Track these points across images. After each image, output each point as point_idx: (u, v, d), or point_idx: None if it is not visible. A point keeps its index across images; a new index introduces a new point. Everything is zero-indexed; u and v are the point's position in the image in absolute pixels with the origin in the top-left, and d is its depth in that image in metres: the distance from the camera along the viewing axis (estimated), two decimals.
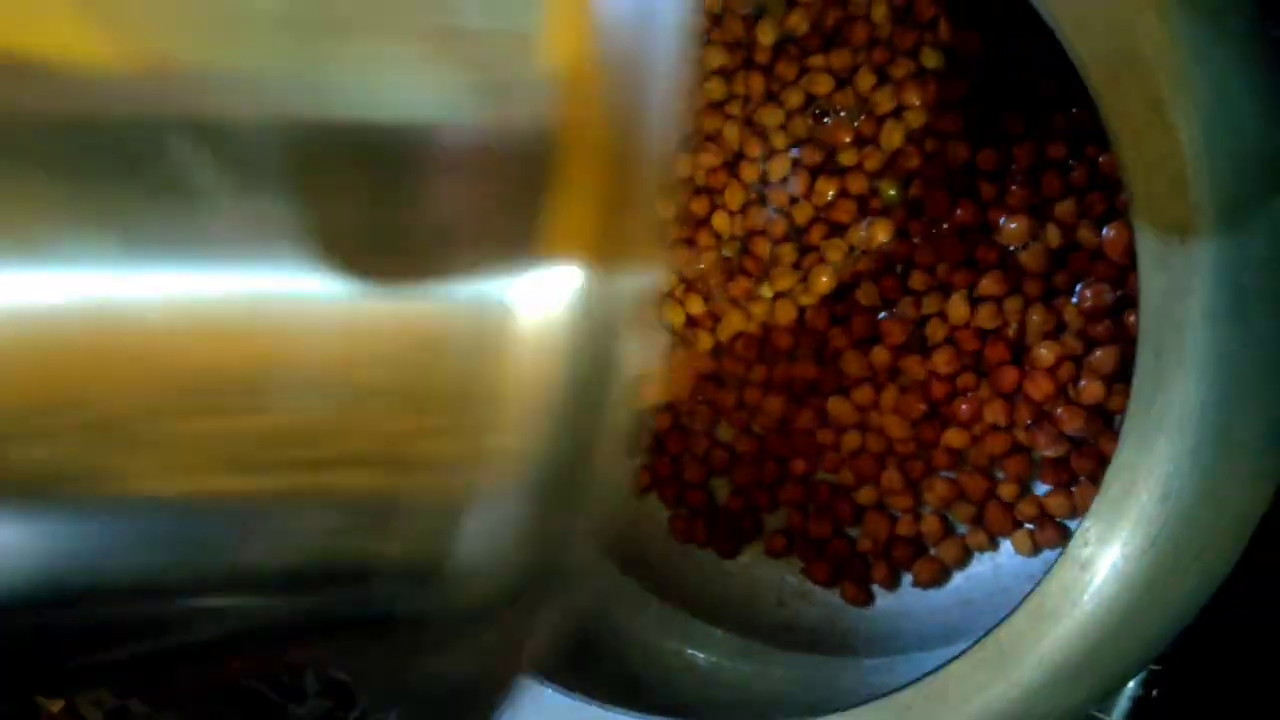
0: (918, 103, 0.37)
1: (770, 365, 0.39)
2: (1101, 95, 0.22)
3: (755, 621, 0.40)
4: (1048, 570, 0.23)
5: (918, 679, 0.24)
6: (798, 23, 0.38)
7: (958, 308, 0.35)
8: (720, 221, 0.40)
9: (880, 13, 0.37)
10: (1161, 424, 0.22)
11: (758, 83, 0.39)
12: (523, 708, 0.29)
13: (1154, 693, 0.34)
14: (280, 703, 0.51)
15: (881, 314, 0.38)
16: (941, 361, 0.36)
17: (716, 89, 0.40)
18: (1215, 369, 0.22)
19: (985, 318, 0.35)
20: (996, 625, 0.24)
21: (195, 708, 0.52)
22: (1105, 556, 0.23)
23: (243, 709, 0.52)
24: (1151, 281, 0.22)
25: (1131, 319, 0.33)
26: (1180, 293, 0.22)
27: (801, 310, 0.39)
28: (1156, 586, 0.23)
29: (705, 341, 0.40)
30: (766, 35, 0.38)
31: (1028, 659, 0.23)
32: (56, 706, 0.53)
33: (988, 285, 0.35)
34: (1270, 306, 0.22)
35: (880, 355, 0.37)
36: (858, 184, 0.38)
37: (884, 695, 0.24)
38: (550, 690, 0.32)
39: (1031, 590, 0.23)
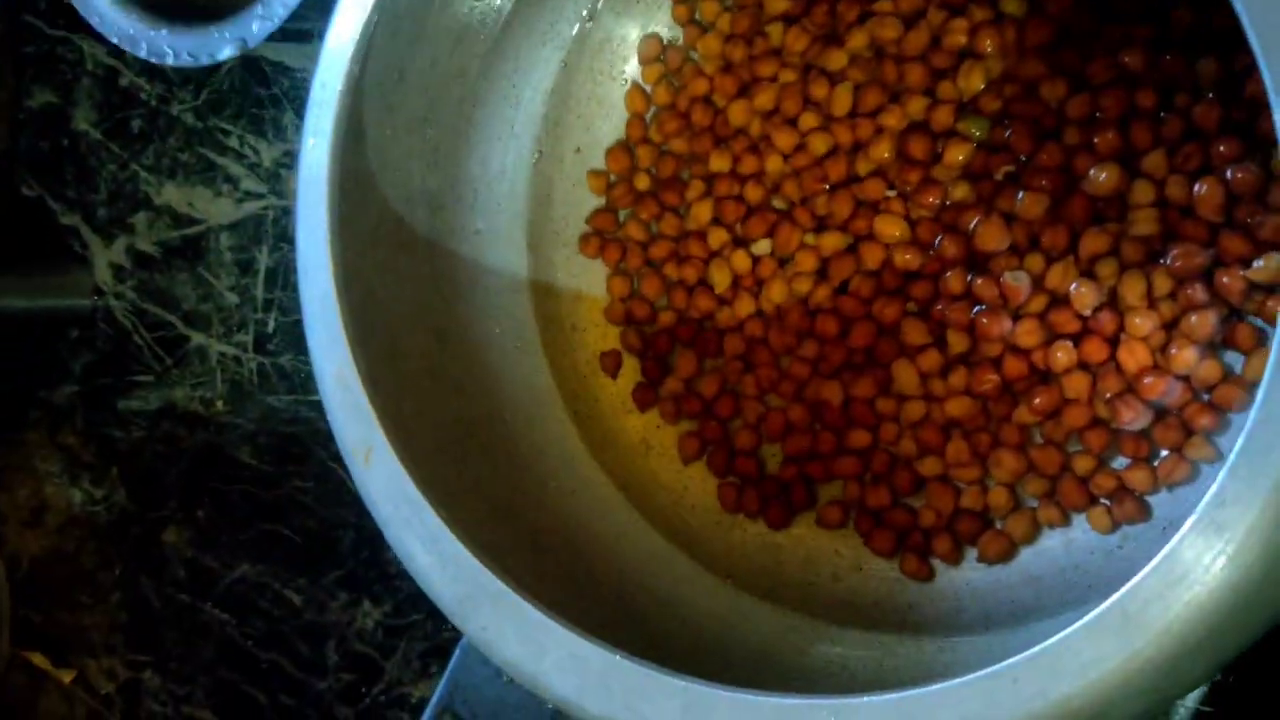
0: (991, 49, 0.34)
1: (821, 342, 0.37)
2: (1250, 13, 0.20)
3: (809, 596, 0.38)
4: (1179, 534, 0.21)
5: (1028, 651, 0.22)
6: None
7: (1061, 275, 0.33)
8: (774, 165, 0.38)
9: None
10: None
11: (819, 26, 0.37)
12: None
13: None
14: (301, 677, 0.49)
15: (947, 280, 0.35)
16: (1024, 333, 0.33)
17: (775, 34, 0.37)
18: None
19: (1086, 287, 0.32)
20: (1120, 592, 0.21)
21: (215, 683, 0.50)
22: (1243, 517, 0.21)
23: (263, 683, 0.50)
24: None
25: (1225, 279, 0.31)
26: None
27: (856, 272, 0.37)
28: (1254, 605, 0.21)
29: (747, 305, 0.38)
30: None
31: (1154, 627, 0.21)
32: (68, 677, 0.52)
33: (1092, 245, 0.32)
34: None
35: (955, 328, 0.35)
36: (922, 140, 0.36)
37: (986, 669, 0.22)
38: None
39: (1160, 555, 0.21)
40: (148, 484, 0.53)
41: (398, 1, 0.31)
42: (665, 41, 0.40)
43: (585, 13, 0.39)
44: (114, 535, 0.53)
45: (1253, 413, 0.21)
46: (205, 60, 0.39)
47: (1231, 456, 0.21)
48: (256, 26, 0.38)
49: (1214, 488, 0.21)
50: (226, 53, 0.39)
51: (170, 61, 0.40)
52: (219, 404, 0.51)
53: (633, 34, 0.40)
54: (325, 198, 0.30)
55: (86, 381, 0.54)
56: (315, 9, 0.38)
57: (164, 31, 0.40)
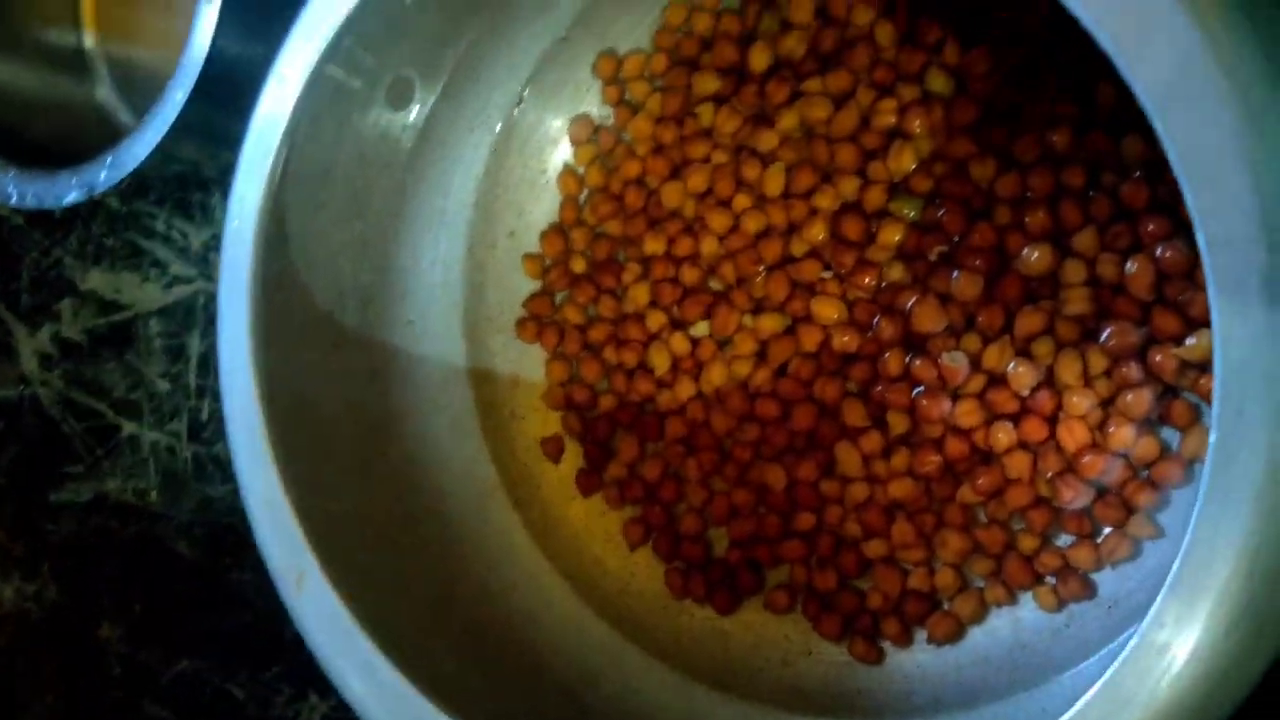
0: (919, 130, 0.34)
1: (763, 425, 0.37)
2: (1168, 128, 0.20)
3: (758, 683, 0.37)
4: (1119, 656, 0.21)
5: None
6: (794, 46, 0.36)
7: (998, 355, 0.33)
8: (709, 247, 0.37)
9: (885, 34, 0.34)
10: (1246, 489, 0.20)
11: (749, 106, 0.37)
12: None
13: None
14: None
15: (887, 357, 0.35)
16: (964, 413, 0.33)
17: (706, 115, 0.37)
18: None
19: (1023, 367, 0.32)
20: (1062, 717, 0.21)
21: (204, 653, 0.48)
22: (1184, 640, 0.20)
23: (250, 653, 0.47)
24: (1231, 331, 0.20)
25: (1159, 357, 0.31)
26: (1264, 342, 0.20)
27: (796, 354, 0.37)
28: (1237, 667, 0.21)
29: (687, 388, 0.38)
30: (760, 60, 0.36)
31: None
32: None
33: (1027, 325, 0.32)
34: None
35: (896, 409, 0.35)
36: (856, 221, 0.35)
37: None
38: None
39: (1102, 679, 0.21)
40: (81, 579, 0.51)
41: (318, 102, 0.31)
42: (596, 123, 0.39)
43: (514, 97, 0.38)
44: (47, 632, 0.52)
45: (1191, 532, 0.20)
46: (51, 204, 0.40)
47: (1171, 578, 0.21)
48: (104, 175, 0.38)
49: (1152, 612, 0.20)
50: (72, 197, 0.40)
51: (14, 203, 0.40)
52: (153, 495, 0.50)
53: (563, 116, 0.39)
54: (247, 313, 0.29)
55: (15, 474, 0.52)
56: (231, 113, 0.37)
57: (11, 174, 0.40)
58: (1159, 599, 0.21)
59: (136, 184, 0.49)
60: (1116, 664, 0.21)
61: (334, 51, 0.28)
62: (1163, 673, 0.20)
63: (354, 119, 0.33)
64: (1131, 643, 0.21)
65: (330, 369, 0.35)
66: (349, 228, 0.36)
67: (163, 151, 0.40)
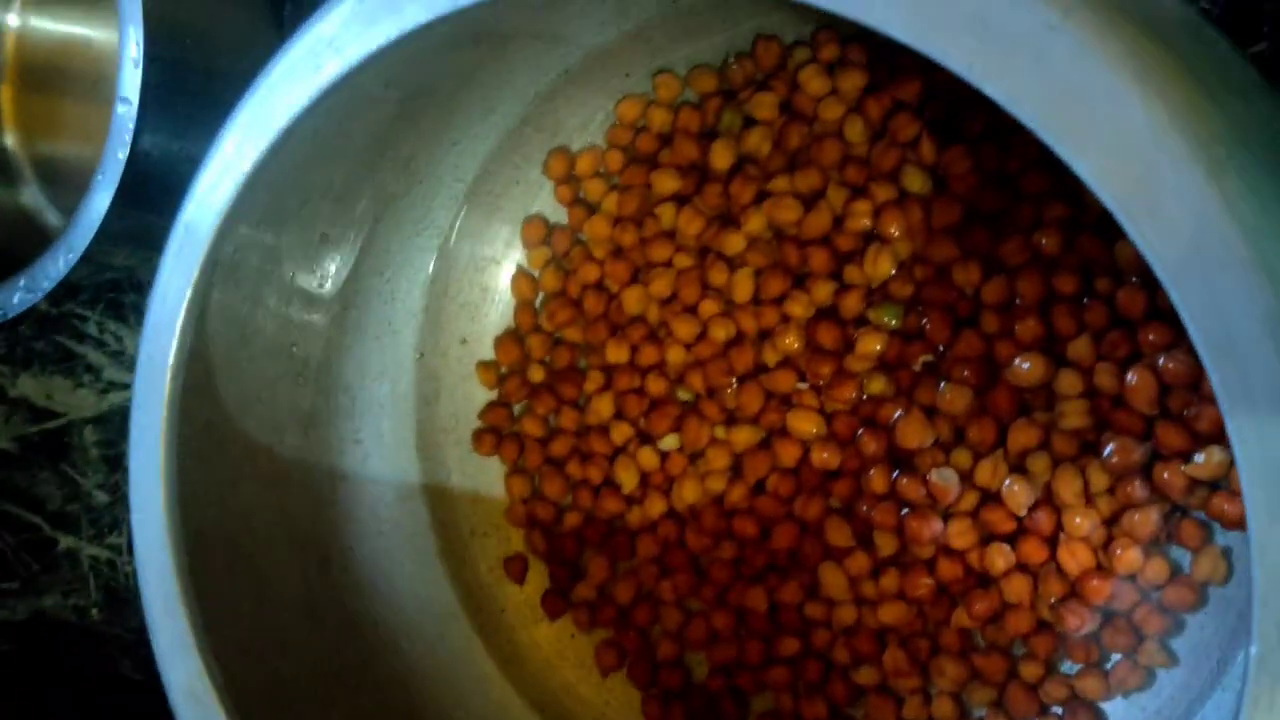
0: (896, 232, 0.32)
1: (741, 544, 0.34)
2: (1188, 303, 0.18)
3: None
4: None
5: None
6: (758, 143, 0.33)
7: (991, 472, 0.31)
8: (675, 355, 0.35)
9: (856, 129, 0.32)
10: None
11: (713, 207, 0.34)
12: None
13: None
14: None
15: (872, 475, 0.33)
16: (957, 534, 0.31)
17: (667, 216, 0.35)
18: None
19: (1019, 485, 0.30)
20: None
21: None
22: None
23: None
24: (1269, 533, 0.17)
25: (1165, 475, 0.29)
26: None
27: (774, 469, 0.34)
28: None
29: (658, 505, 0.35)
30: (722, 158, 0.34)
31: None
32: None
33: (1022, 440, 0.30)
34: None
35: (883, 530, 0.32)
36: (832, 329, 0.33)
37: None
38: None
39: None
40: (20, 700, 0.48)
41: (237, 239, 0.28)
42: (550, 224, 0.37)
43: (460, 199, 0.36)
44: None
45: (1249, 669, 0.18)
46: None
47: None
48: (18, 298, 0.36)
49: None
50: None
51: None
52: (94, 612, 0.47)
53: (514, 218, 0.37)
54: (161, 482, 0.27)
55: None
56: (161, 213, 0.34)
57: None
58: None
59: (67, 287, 0.46)
60: None
61: (243, 207, 0.26)
62: None
63: (280, 253, 0.31)
64: None
65: (269, 507, 0.33)
66: (285, 354, 0.33)
67: (89, 261, 0.37)
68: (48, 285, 0.36)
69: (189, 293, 0.26)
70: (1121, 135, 0.18)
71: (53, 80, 0.44)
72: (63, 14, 0.44)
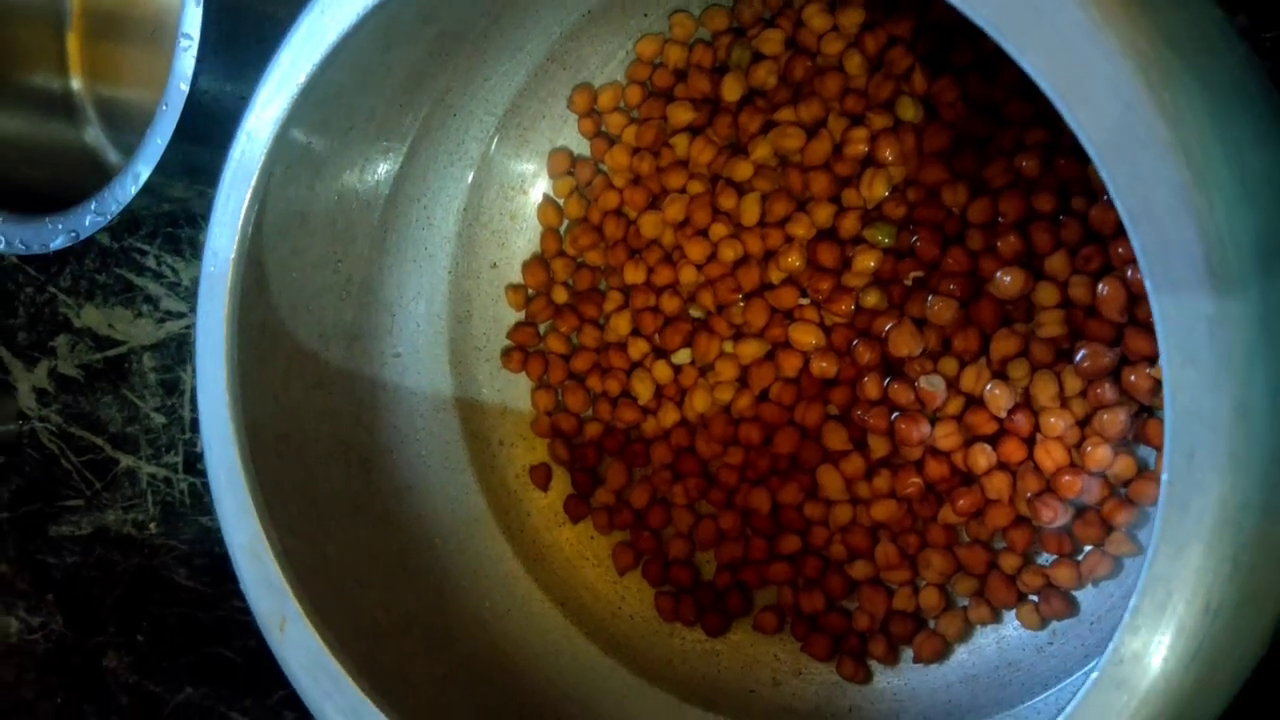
0: (891, 157, 0.35)
1: (746, 449, 0.37)
2: (1115, 179, 0.20)
3: (750, 704, 0.37)
4: (1082, 691, 0.21)
5: None
6: (765, 76, 0.36)
7: (975, 378, 0.33)
8: (687, 275, 0.38)
9: (854, 62, 0.35)
10: (1199, 531, 0.20)
11: (723, 136, 0.37)
12: None
13: None
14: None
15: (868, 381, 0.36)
16: (943, 435, 0.34)
17: (681, 145, 0.38)
18: (1255, 469, 0.20)
19: (1000, 389, 0.33)
20: None
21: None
22: (1143, 674, 0.21)
23: (254, 680, 0.48)
24: (1180, 377, 0.20)
25: (1133, 378, 0.32)
26: (1212, 388, 0.20)
27: (777, 378, 0.37)
28: (1195, 700, 0.21)
29: (671, 415, 0.38)
30: (732, 91, 0.36)
31: None
32: None
33: (1003, 348, 0.33)
34: None
35: (875, 433, 0.35)
36: (831, 249, 0.36)
37: None
38: None
39: (1063, 714, 0.22)
40: (84, 610, 0.52)
41: (289, 156, 0.31)
42: (574, 155, 0.40)
43: (491, 132, 0.39)
44: (53, 664, 0.52)
45: (1147, 570, 0.21)
46: (38, 250, 0.41)
47: (1129, 615, 0.21)
48: (89, 220, 0.39)
49: (1111, 647, 0.21)
50: (59, 243, 0.41)
51: (3, 249, 0.41)
52: (152, 526, 0.50)
53: (541, 149, 0.40)
54: (224, 362, 0.30)
55: (15, 508, 0.53)
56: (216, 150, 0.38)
57: None
58: (1116, 635, 0.21)
59: (127, 221, 0.49)
60: (1077, 700, 0.21)
61: (298, 114, 0.29)
62: (1123, 708, 0.21)
63: (328, 170, 0.34)
64: (1092, 677, 0.21)
65: (316, 408, 0.36)
66: (331, 269, 0.36)
67: (150, 192, 0.41)
68: (115, 208, 0.39)
69: (249, 193, 0.29)
70: (1060, 33, 0.21)
71: (115, 28, 0.47)
72: None
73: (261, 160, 0.29)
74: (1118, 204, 0.21)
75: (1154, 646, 0.21)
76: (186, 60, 0.37)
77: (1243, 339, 0.20)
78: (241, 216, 0.29)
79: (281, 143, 0.29)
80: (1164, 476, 0.20)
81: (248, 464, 0.30)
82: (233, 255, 0.29)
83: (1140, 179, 0.20)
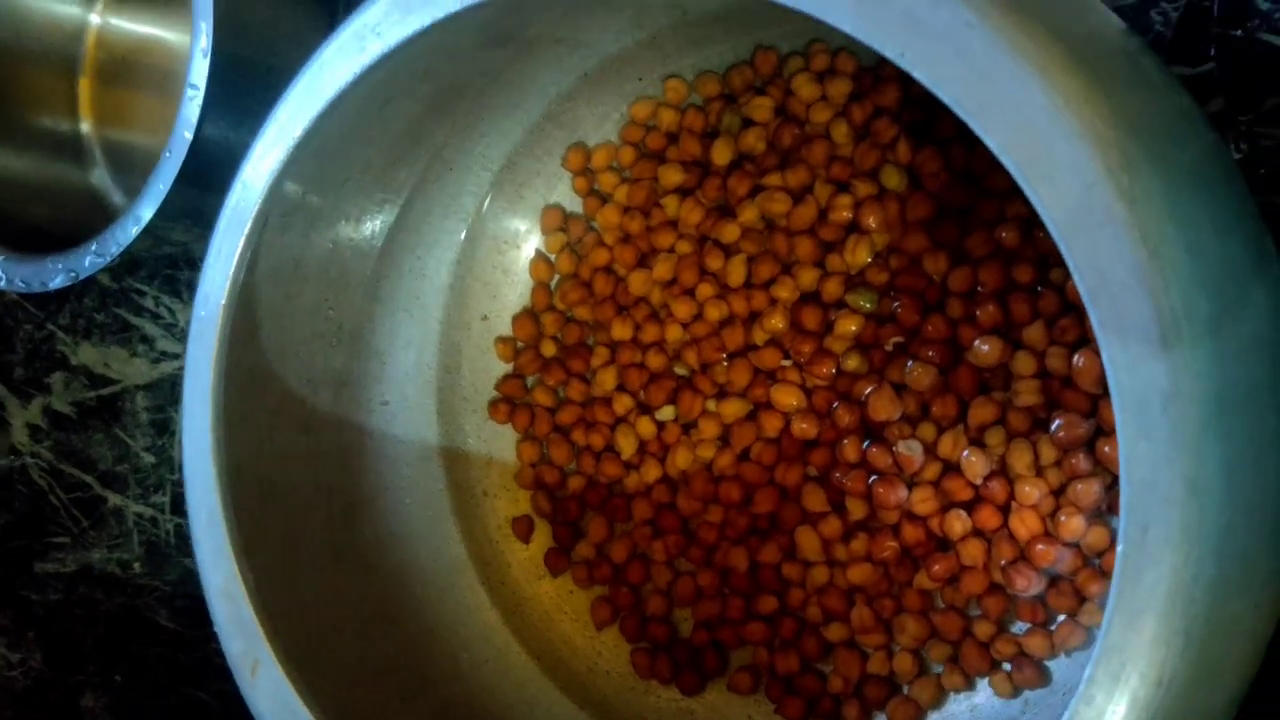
0: (874, 225, 0.35)
1: (726, 508, 0.38)
2: (1074, 255, 0.21)
3: None
4: None
5: None
6: (754, 142, 0.37)
7: (952, 444, 0.34)
8: (673, 333, 0.38)
9: (841, 131, 0.36)
10: (1151, 603, 0.20)
11: (712, 199, 0.38)
12: None
13: None
14: None
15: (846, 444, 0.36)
16: (920, 500, 0.34)
17: (671, 206, 0.38)
18: (1206, 544, 0.20)
19: (976, 456, 0.33)
20: None
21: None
22: None
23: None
24: (1135, 449, 0.20)
25: (1107, 449, 0.32)
26: (1165, 462, 0.20)
27: (759, 439, 0.38)
28: None
29: (654, 471, 0.39)
30: (722, 155, 0.37)
31: None
32: None
33: (980, 415, 0.33)
34: (1258, 478, 0.21)
35: (853, 495, 0.36)
36: (814, 312, 0.36)
37: None
38: None
39: None
40: (65, 648, 0.52)
41: (284, 206, 0.32)
42: (566, 212, 0.41)
43: (486, 187, 0.40)
44: (32, 701, 0.52)
45: (1101, 640, 0.21)
46: (38, 288, 0.42)
47: (1083, 685, 0.21)
48: (89, 261, 0.41)
49: (1067, 713, 0.21)
50: (58, 282, 0.42)
51: (2, 287, 0.42)
52: (136, 566, 0.50)
53: (534, 206, 0.41)
54: (210, 406, 0.30)
55: (2, 544, 0.53)
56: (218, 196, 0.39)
57: (1, 259, 0.42)
58: (1071, 704, 0.21)
59: (127, 262, 0.50)
60: None
61: (294, 166, 0.30)
62: None
63: (323, 220, 0.34)
64: None
65: (302, 453, 0.36)
66: (322, 316, 0.37)
67: (151, 234, 0.42)
68: (115, 250, 0.40)
69: (242, 241, 0.30)
70: (1024, 114, 0.21)
71: (127, 74, 0.49)
72: (139, 14, 0.49)
73: (256, 210, 0.30)
74: (1076, 279, 0.21)
75: (1108, 717, 0.21)
76: (191, 109, 0.38)
77: (1195, 414, 0.20)
78: (234, 263, 0.30)
79: (276, 193, 0.30)
80: (1119, 548, 0.21)
81: (228, 507, 0.30)
82: (223, 300, 0.30)
83: (1098, 255, 0.21)
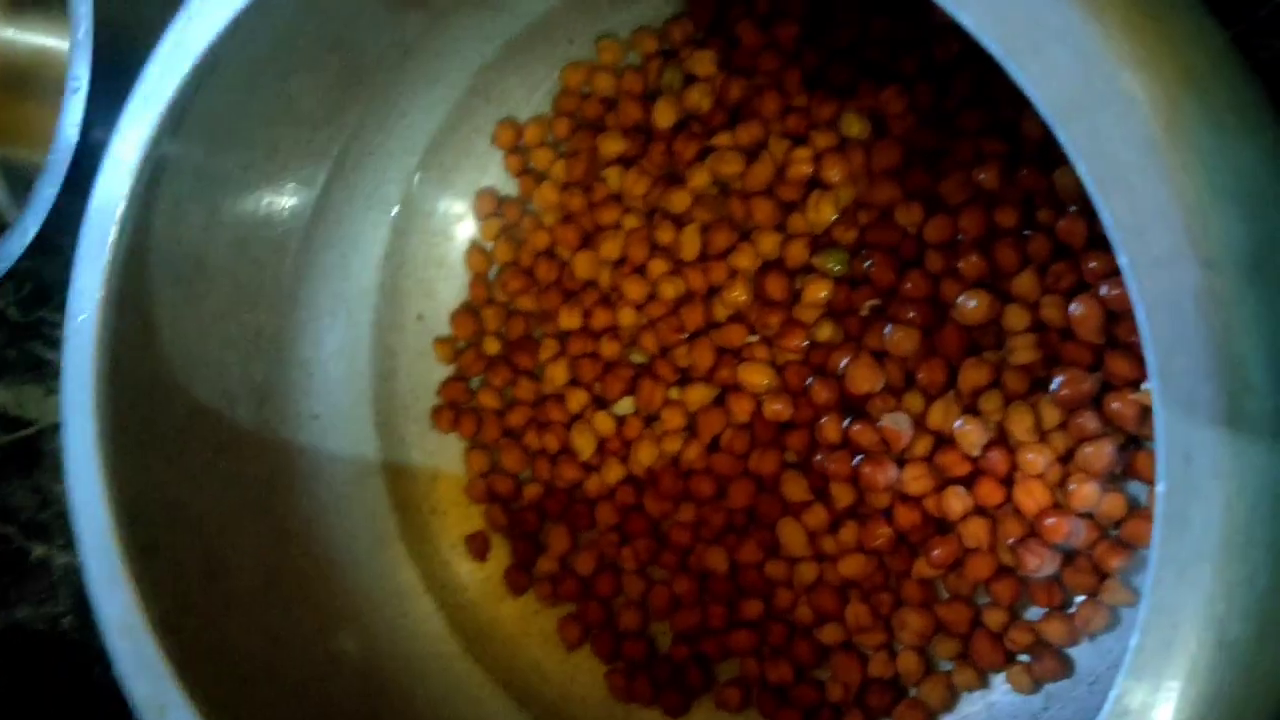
0: (837, 178, 0.32)
1: (699, 505, 0.34)
2: (1076, 143, 0.17)
3: None
4: None
5: None
6: (699, 99, 0.34)
7: (943, 414, 0.30)
8: (626, 317, 0.35)
9: (794, 80, 0.32)
10: (1204, 548, 0.17)
11: (658, 166, 0.34)
12: None
13: None
14: None
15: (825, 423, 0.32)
16: (912, 479, 0.30)
17: (614, 178, 0.35)
18: (1263, 469, 0.17)
19: (971, 425, 0.30)
20: None
21: None
22: None
23: None
24: (1170, 364, 0.17)
25: (1116, 405, 0.29)
26: (1205, 375, 0.17)
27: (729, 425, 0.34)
28: None
29: (616, 471, 0.35)
30: (665, 117, 0.34)
31: None
32: None
33: (972, 379, 0.29)
34: None
35: (838, 480, 0.32)
36: (779, 280, 0.33)
37: None
38: None
39: None
40: None
41: (173, 181, 0.28)
42: (500, 195, 0.37)
43: (410, 172, 0.36)
44: None
45: (1147, 599, 0.18)
46: None
47: (1130, 656, 0.17)
48: None
49: (1112, 698, 0.17)
50: None
51: None
52: (66, 620, 0.46)
53: (465, 190, 0.37)
54: (93, 417, 0.27)
55: None
56: None
57: None
58: (1118, 681, 0.17)
59: (36, 292, 0.46)
60: None
61: (174, 137, 0.26)
62: None
63: (225, 211, 0.31)
64: None
65: (221, 474, 0.32)
66: (235, 322, 0.33)
67: (57, 255, 0.38)
68: (3, 267, 0.36)
69: (114, 227, 0.26)
70: None
71: (20, 87, 0.45)
72: (32, 24, 0.45)
73: (129, 189, 0.26)
74: (1081, 172, 0.18)
75: (1162, 694, 0.17)
76: (75, 104, 0.34)
77: (1237, 315, 0.17)
78: (108, 253, 0.26)
79: (157, 172, 0.26)
80: (1159, 487, 0.17)
81: (121, 528, 0.26)
82: (100, 295, 0.26)
83: (1104, 140, 0.17)
